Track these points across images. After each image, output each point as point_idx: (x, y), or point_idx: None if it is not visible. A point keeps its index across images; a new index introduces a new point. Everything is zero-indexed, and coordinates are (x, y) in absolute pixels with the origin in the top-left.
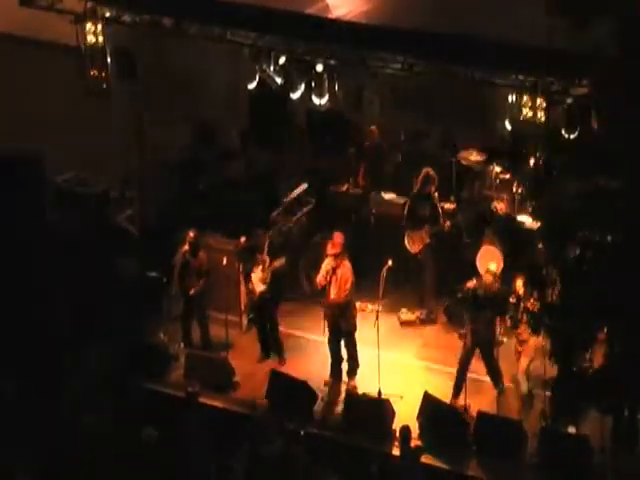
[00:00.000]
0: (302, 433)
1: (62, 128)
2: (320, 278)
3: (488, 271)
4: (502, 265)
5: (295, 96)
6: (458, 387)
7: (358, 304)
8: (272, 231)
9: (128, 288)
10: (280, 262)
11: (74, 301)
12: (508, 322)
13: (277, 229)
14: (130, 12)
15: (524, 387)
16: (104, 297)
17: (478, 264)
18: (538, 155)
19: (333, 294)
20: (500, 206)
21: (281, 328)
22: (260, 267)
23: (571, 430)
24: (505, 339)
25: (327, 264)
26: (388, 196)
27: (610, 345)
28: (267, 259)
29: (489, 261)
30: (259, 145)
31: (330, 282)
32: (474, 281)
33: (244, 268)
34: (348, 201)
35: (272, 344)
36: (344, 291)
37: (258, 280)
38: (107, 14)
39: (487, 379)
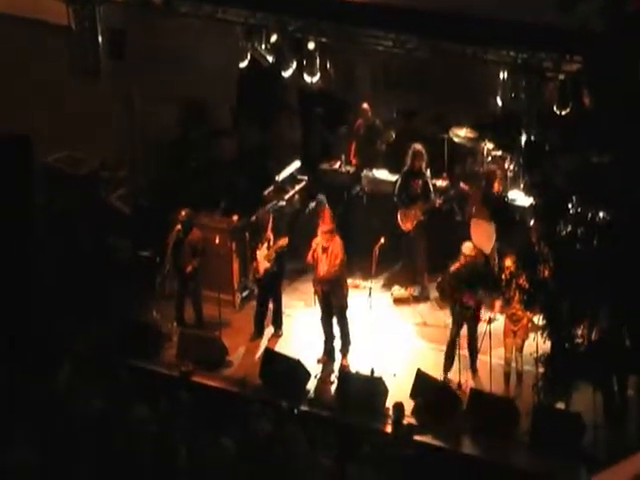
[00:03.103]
0: (295, 411)
1: (53, 107)
2: (308, 256)
3: (465, 254)
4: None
5: (287, 74)
6: (449, 363)
7: (350, 281)
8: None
9: (120, 268)
10: (284, 241)
11: (65, 281)
12: (501, 300)
13: (270, 207)
14: None
15: (517, 365)
16: (96, 277)
17: (473, 239)
18: (530, 132)
19: (323, 270)
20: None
21: None
22: (265, 245)
23: (560, 405)
24: (498, 317)
25: (317, 242)
26: (380, 174)
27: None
28: (271, 237)
29: (483, 236)
30: (251, 123)
31: (320, 259)
32: (461, 260)
33: (238, 246)
34: (340, 179)
35: (274, 318)
36: (333, 266)
37: (263, 257)
38: None
39: (483, 357)
